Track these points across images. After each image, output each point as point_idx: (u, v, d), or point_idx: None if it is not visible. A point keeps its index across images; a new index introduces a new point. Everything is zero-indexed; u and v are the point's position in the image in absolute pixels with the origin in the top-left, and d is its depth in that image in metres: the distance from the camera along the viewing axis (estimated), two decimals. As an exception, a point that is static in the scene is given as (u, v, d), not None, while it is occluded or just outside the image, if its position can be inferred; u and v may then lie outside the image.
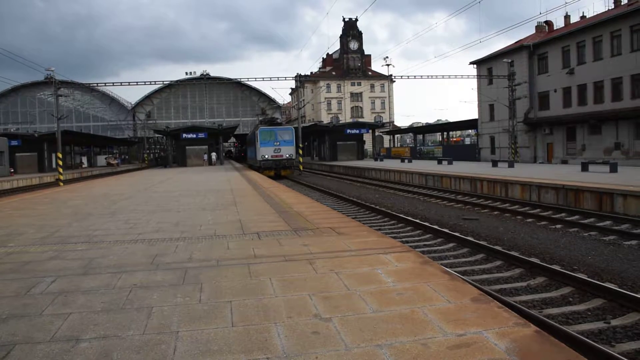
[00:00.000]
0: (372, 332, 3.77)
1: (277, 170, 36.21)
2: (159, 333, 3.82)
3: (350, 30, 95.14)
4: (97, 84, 78.92)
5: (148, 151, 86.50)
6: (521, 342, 3.55)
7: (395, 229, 13.30)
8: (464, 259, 9.68)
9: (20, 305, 4.61)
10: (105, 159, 74.17)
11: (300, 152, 48.17)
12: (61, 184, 32.79)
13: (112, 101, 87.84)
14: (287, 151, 37.13)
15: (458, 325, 3.88)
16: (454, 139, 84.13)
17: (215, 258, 6.36)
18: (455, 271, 7.80)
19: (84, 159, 68.05)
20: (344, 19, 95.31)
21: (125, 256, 6.63)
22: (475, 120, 53.17)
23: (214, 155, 54.93)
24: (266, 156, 36.34)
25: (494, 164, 33.29)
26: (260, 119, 54.17)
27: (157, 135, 79.24)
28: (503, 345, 3.48)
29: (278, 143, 36.68)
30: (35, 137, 51.04)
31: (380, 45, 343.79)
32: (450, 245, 10.93)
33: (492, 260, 9.38)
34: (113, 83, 59.14)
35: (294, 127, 42.21)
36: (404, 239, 11.49)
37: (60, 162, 36.48)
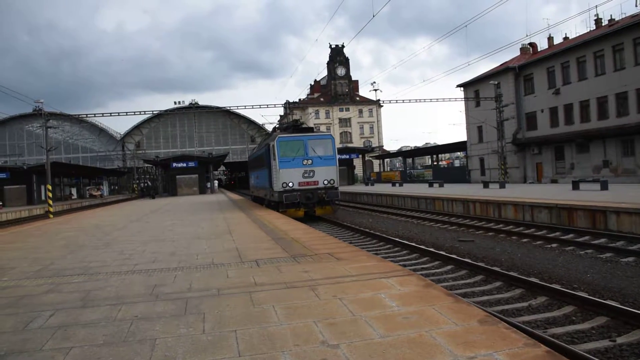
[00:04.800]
0: (382, 357, 3.71)
1: (308, 207, 21.89)
2: (164, 365, 3.73)
3: (337, 56, 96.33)
4: (87, 115, 78.97)
5: (138, 181, 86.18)
6: (533, 363, 3.51)
7: (392, 253, 13.24)
8: (463, 281, 9.64)
9: (19, 340, 4.49)
10: (88, 190, 72.72)
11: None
12: (51, 216, 32.44)
13: (101, 132, 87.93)
14: (326, 174, 21.94)
15: (467, 347, 3.83)
16: (443, 162, 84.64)
17: (215, 287, 6.27)
18: (456, 293, 7.74)
19: (74, 191, 67.56)
20: (330, 46, 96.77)
21: (124, 287, 6.52)
22: (464, 142, 53.64)
23: (216, 183, 54.71)
24: (290, 184, 21.46)
25: (485, 185, 33.49)
26: (276, 126, 34.59)
27: (146, 165, 79.09)
28: (515, 367, 3.44)
29: (310, 161, 21.76)
30: (24, 169, 50.79)
31: (365, 71, 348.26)
32: (448, 267, 10.88)
33: (492, 281, 9.34)
34: (103, 114, 59.06)
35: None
36: (401, 263, 11.44)
37: (50, 194, 36.14)
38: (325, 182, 21.76)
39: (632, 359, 5.49)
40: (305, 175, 21.59)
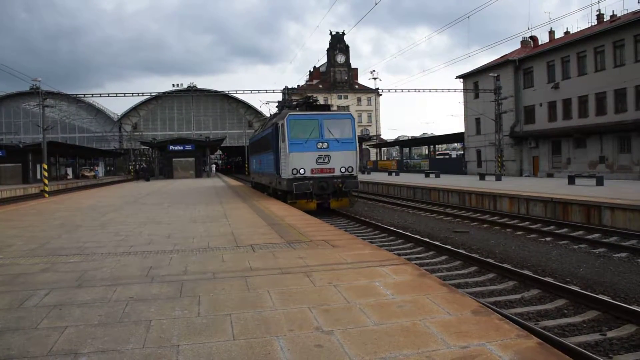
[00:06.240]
0: (375, 345, 3.74)
1: (323, 197, 18.69)
2: (159, 347, 3.75)
3: (337, 43, 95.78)
4: (84, 94, 78.17)
5: (134, 163, 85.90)
6: (525, 354, 3.54)
7: (387, 242, 13.28)
8: (457, 272, 9.69)
9: (14, 318, 4.51)
10: (81, 170, 71.95)
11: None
12: (46, 195, 32.32)
13: (98, 112, 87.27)
14: (344, 160, 18.68)
15: (460, 337, 3.87)
16: (440, 152, 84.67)
17: (210, 271, 6.29)
18: (450, 284, 7.79)
19: (69, 171, 67.23)
20: (331, 33, 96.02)
21: (119, 268, 6.54)
22: (461, 133, 53.65)
23: (213, 167, 54.37)
24: (302, 171, 18.13)
25: (482, 177, 33.55)
26: (278, 101, 31.37)
27: (143, 147, 78.82)
28: (507, 357, 3.48)
29: (325, 144, 18.42)
30: (19, 147, 50.46)
31: (364, 59, 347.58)
32: (443, 258, 10.93)
33: (486, 272, 9.40)
34: (100, 94, 58.86)
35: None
36: (396, 252, 11.47)
37: (46, 174, 35.98)
38: (343, 169, 18.59)
39: (621, 352, 5.56)
40: (319, 160, 18.35)
